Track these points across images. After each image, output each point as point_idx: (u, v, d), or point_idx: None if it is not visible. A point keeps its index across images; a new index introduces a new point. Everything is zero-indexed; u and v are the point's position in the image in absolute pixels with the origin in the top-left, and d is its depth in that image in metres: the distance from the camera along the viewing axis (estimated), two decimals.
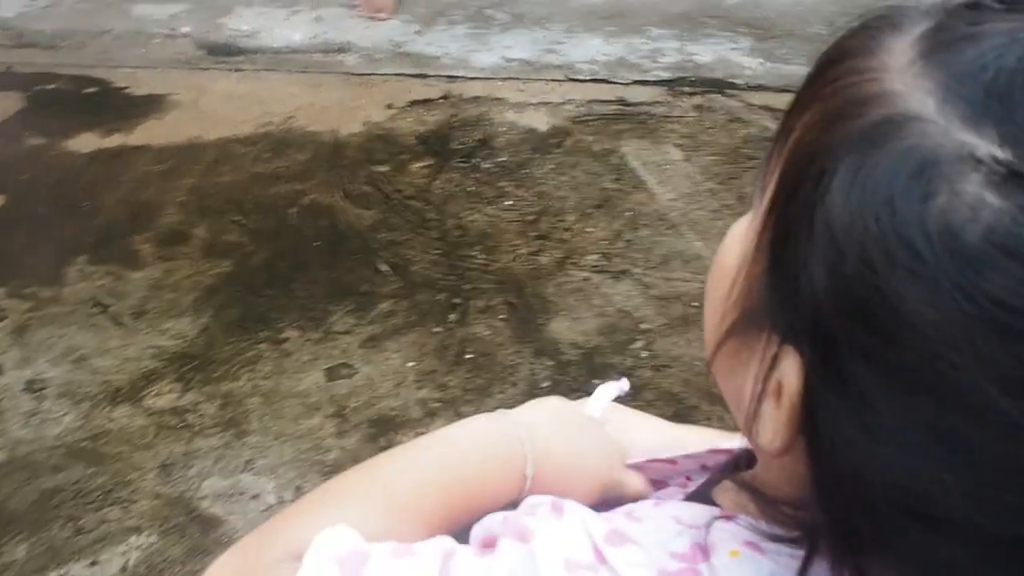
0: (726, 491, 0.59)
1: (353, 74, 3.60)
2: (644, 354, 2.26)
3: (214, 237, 2.72)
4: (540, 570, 0.49)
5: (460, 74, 3.54)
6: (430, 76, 3.54)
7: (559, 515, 0.53)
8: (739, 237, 0.51)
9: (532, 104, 3.31)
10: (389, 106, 3.34)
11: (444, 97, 3.39)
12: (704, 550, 0.49)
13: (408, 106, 3.34)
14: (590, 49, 3.64)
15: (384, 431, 2.08)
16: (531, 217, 2.74)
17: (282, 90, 3.50)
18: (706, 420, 1.99)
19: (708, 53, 3.57)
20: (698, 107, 3.23)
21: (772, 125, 3.08)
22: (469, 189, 2.88)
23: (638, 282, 2.49)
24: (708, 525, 0.50)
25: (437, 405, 2.14)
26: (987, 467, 0.38)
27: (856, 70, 0.44)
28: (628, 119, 3.17)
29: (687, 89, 3.35)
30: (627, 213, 2.74)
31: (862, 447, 0.40)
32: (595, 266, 2.55)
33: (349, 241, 2.68)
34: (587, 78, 3.44)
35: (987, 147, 0.38)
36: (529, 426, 0.69)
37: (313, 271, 2.57)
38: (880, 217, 0.39)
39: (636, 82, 3.40)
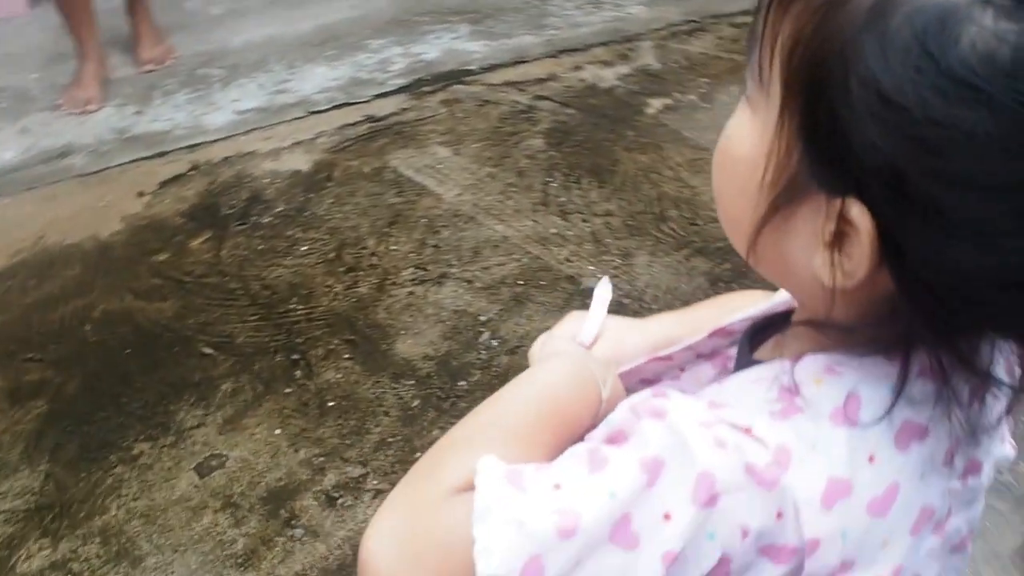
0: (776, 347, 0.68)
1: (86, 174, 3.41)
2: (494, 343, 2.34)
3: (14, 383, 2.52)
4: (684, 433, 0.55)
5: (199, 141, 3.44)
6: (169, 152, 3.42)
7: (668, 397, 0.59)
8: (746, 132, 0.58)
9: (285, 148, 3.28)
10: (140, 194, 3.21)
11: (193, 168, 3.29)
12: (792, 390, 0.58)
13: (160, 188, 3.22)
14: (318, 78, 3.64)
15: (281, 503, 2.04)
16: (332, 254, 2.74)
17: (17, 213, 3.27)
18: None
19: (433, 50, 3.67)
20: (445, 102, 3.32)
21: (520, 99, 3.24)
22: (259, 248, 2.83)
23: (460, 280, 2.55)
24: (789, 370, 0.58)
25: (321, 460, 2.13)
26: None
27: None
28: (384, 133, 3.22)
29: (427, 88, 3.43)
30: (422, 221, 2.79)
31: (952, 247, 0.49)
32: (413, 278, 2.59)
33: (160, 338, 2.57)
34: (328, 107, 3.45)
35: None
36: (588, 355, 0.77)
37: (137, 379, 2.45)
38: (922, 67, 0.47)
39: (377, 96, 3.44)
